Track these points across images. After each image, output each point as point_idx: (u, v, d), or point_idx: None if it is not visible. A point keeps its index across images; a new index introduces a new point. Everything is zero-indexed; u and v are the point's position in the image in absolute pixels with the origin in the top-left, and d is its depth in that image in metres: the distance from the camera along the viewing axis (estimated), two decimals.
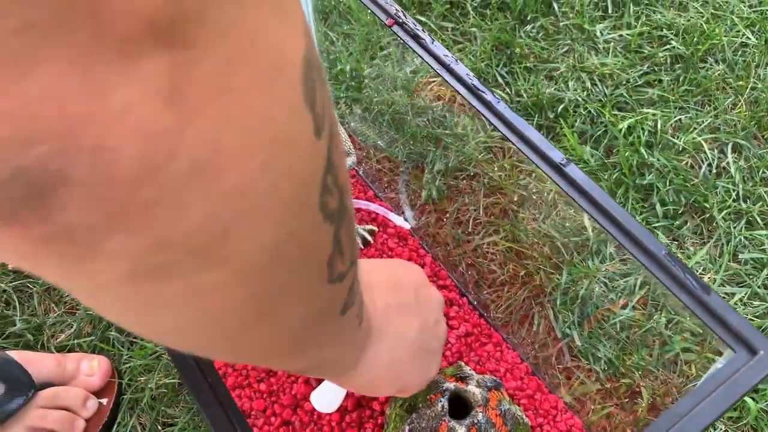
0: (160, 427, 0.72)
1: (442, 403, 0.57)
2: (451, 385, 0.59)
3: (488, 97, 0.51)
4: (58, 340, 0.78)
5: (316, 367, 0.36)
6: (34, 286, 0.81)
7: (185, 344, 0.25)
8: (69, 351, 0.77)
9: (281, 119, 0.19)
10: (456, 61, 0.53)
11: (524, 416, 0.65)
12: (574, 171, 0.46)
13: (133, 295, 0.20)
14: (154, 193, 0.16)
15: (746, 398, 0.72)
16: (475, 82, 0.52)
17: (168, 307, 0.21)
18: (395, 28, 0.56)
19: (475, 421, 0.56)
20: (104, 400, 0.73)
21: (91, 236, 0.17)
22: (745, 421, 0.71)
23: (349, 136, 0.91)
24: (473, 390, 0.58)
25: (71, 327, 0.78)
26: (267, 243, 0.20)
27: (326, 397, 0.67)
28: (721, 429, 0.70)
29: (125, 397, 0.74)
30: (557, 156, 0.47)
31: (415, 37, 0.55)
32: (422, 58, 0.54)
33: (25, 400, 0.68)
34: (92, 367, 0.73)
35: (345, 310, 0.31)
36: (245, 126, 0.17)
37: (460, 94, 0.52)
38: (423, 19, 1.05)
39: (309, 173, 0.21)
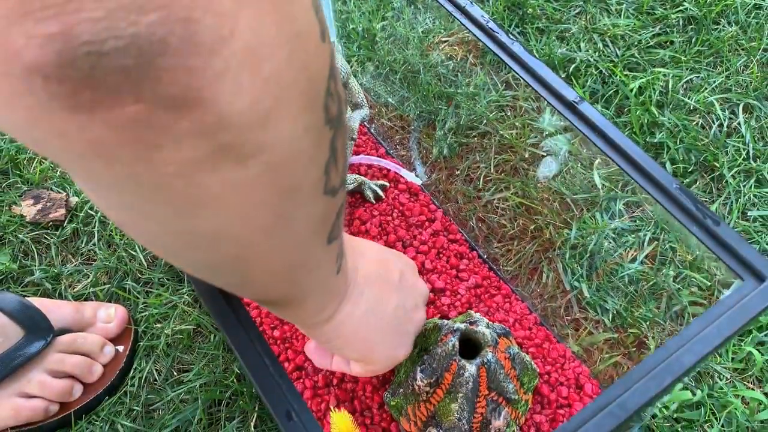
0: (175, 373, 0.73)
1: (453, 342, 0.58)
2: (461, 325, 0.60)
3: (503, 38, 0.51)
4: (75, 290, 0.79)
5: (299, 302, 0.38)
6: (52, 238, 0.83)
7: (219, 253, 0.28)
8: (86, 300, 0.79)
9: (299, 17, 0.22)
10: (471, 3, 0.53)
11: (533, 363, 0.66)
12: (587, 108, 0.47)
13: (185, 190, 0.23)
14: (222, 65, 0.20)
15: (752, 350, 0.73)
16: (491, 24, 0.52)
17: (210, 205, 0.24)
18: None
19: (485, 361, 0.57)
20: (121, 347, 0.75)
21: (171, 114, 0.20)
22: (750, 373, 0.72)
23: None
24: (483, 330, 0.59)
25: (88, 277, 0.80)
26: (289, 134, 0.23)
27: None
28: (726, 378, 0.71)
29: (141, 344, 0.75)
30: (571, 94, 0.48)
31: None
32: (438, 1, 0.54)
33: (44, 345, 0.70)
34: (109, 315, 0.75)
35: (331, 239, 0.34)
36: (275, 19, 0.21)
37: (474, 35, 0.52)
38: None
39: (318, 70, 0.24)
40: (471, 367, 0.57)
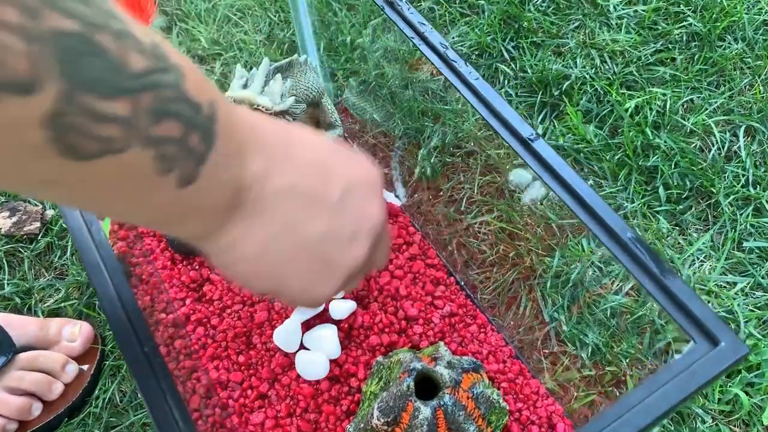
0: (140, 395, 0.72)
1: (408, 383, 0.55)
2: (418, 364, 0.57)
3: (461, 68, 0.48)
4: (46, 305, 0.78)
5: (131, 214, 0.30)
6: (26, 251, 0.82)
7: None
8: (57, 316, 0.78)
9: None
10: (431, 29, 0.50)
11: (501, 400, 0.63)
12: (541, 146, 0.44)
13: None
14: None
15: (739, 392, 0.69)
16: (450, 51, 0.49)
17: None
18: None
19: (442, 403, 0.55)
20: (86, 366, 0.73)
21: None
22: (737, 416, 0.68)
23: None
24: (441, 371, 0.56)
25: (60, 292, 0.79)
26: None
27: (286, 337, 0.70)
28: (709, 422, 0.67)
29: (107, 363, 0.74)
30: (526, 131, 0.45)
31: (390, 4, 0.52)
32: (396, 24, 0.51)
33: (4, 362, 0.69)
34: (74, 333, 0.74)
35: (183, 181, 0.27)
36: None
37: (433, 64, 0.49)
38: None
39: None
40: (426, 410, 0.54)
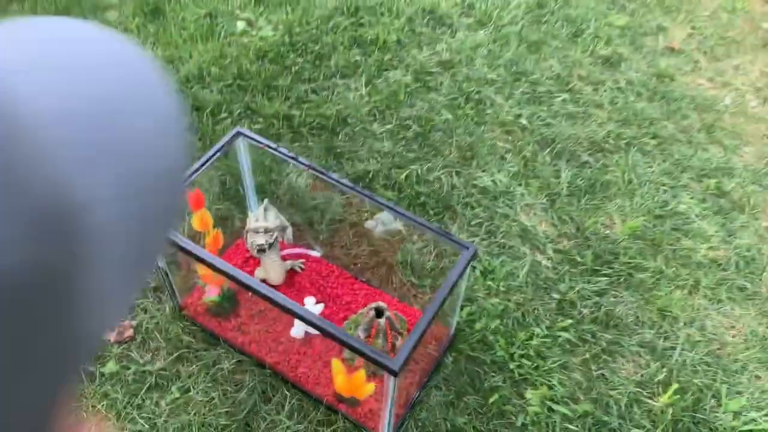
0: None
1: (372, 314, 1.41)
2: (374, 304, 1.43)
3: None
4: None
5: None
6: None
7: None
8: None
9: None
10: None
11: (402, 317, 1.50)
12: None
13: None
14: None
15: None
16: None
17: None
18: None
19: (387, 316, 1.41)
20: None
21: None
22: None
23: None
24: (382, 305, 1.43)
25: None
26: None
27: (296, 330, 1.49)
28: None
29: None
30: None
31: None
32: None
33: None
34: None
35: None
36: None
37: None
38: None
39: None
40: (382, 322, 1.41)
